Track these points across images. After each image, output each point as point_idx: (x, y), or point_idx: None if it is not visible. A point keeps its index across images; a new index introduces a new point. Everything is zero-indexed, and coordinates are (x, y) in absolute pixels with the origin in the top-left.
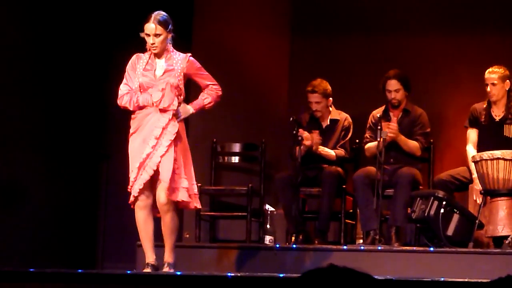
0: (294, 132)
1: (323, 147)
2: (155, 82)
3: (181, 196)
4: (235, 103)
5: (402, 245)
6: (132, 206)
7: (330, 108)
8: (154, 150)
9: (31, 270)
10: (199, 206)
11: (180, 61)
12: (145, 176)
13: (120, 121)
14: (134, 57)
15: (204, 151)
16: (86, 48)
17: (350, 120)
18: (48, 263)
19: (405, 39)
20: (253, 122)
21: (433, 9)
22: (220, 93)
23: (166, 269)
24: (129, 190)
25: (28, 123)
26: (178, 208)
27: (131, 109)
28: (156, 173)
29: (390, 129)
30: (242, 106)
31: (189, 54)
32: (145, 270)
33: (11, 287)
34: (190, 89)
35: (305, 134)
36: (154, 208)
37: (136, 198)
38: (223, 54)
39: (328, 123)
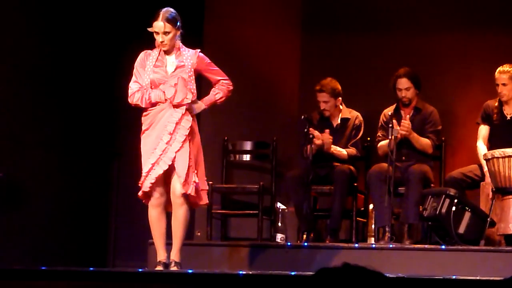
0: (305, 130)
1: (335, 147)
2: (167, 78)
3: (191, 190)
4: (246, 101)
5: (413, 243)
6: (144, 201)
7: (341, 107)
8: (168, 145)
9: (43, 268)
10: (206, 201)
11: (190, 57)
12: (159, 170)
13: (131, 119)
14: (142, 54)
15: (215, 149)
16: (96, 46)
17: (361, 118)
18: (60, 261)
19: (416, 36)
20: (264, 120)
21: (444, 6)
22: (231, 87)
23: (173, 268)
24: (139, 184)
25: (39, 121)
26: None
27: (143, 106)
28: (171, 168)
29: (403, 126)
30: (253, 104)
31: (198, 50)
32: (157, 268)
33: (22, 285)
34: (201, 85)
35: (316, 133)
36: (167, 203)
37: (147, 195)
38: (233, 51)
39: (339, 122)
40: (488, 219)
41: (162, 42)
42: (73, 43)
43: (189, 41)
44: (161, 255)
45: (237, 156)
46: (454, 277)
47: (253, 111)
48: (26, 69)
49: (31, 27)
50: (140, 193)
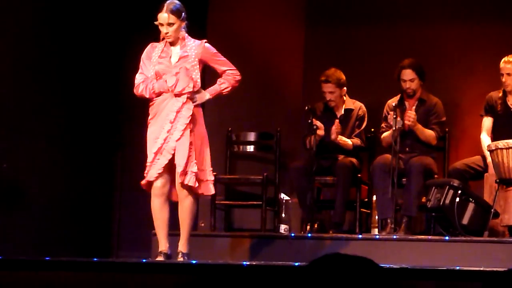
0: (309, 121)
1: (340, 136)
2: (171, 68)
3: (189, 180)
4: (250, 92)
5: (417, 234)
6: (147, 190)
7: (344, 98)
8: (169, 135)
9: (47, 258)
10: (212, 192)
11: (195, 47)
12: (163, 160)
13: (134, 110)
14: (149, 46)
15: (219, 140)
16: (101, 37)
17: (364, 109)
18: (64, 251)
19: (420, 27)
20: (268, 111)
21: None
22: (238, 78)
23: (180, 259)
24: (145, 175)
25: (43, 112)
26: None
27: (147, 96)
28: (174, 158)
29: (408, 117)
30: (257, 95)
31: (204, 40)
32: (157, 259)
33: (26, 275)
34: (206, 76)
35: (319, 123)
36: (172, 192)
37: (152, 184)
38: (237, 43)
39: (343, 112)
40: (492, 210)
41: (166, 33)
42: (77, 34)
43: (193, 33)
44: (162, 245)
45: (241, 147)
46: (457, 268)
47: (257, 102)
48: (30, 60)
49: (36, 18)
50: (143, 182)
